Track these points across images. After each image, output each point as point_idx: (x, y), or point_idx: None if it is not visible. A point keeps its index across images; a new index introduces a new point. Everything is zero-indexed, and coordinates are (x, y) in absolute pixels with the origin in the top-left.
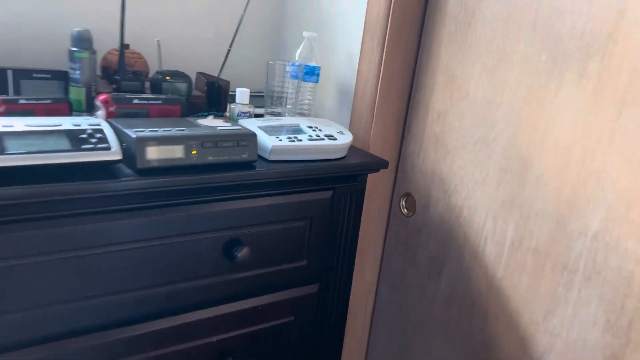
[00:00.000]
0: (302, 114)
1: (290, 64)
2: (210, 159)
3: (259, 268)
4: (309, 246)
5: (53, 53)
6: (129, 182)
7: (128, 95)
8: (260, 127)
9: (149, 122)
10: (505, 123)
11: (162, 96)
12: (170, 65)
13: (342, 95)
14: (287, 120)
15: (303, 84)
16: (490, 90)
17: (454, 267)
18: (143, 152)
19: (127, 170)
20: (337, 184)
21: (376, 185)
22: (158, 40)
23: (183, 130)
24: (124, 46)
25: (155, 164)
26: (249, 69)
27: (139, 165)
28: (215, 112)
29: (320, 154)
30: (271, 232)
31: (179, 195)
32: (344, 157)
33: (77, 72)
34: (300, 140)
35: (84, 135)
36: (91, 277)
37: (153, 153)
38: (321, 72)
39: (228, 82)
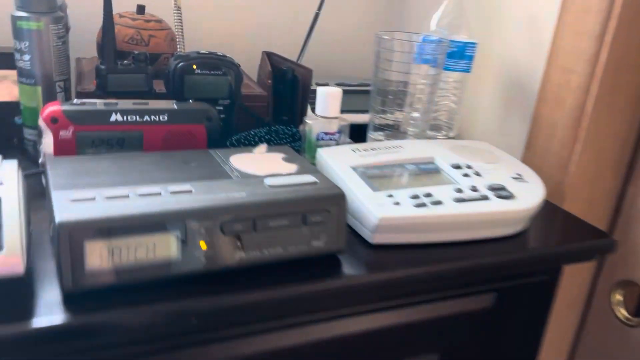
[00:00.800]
0: (437, 129)
1: (422, 38)
2: (242, 257)
3: None
4: None
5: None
6: (38, 324)
7: (99, 106)
8: (355, 169)
9: (124, 166)
10: None
11: (171, 105)
12: (217, 43)
13: (513, 94)
14: (410, 151)
15: (445, 73)
16: None
17: None
18: (79, 256)
19: (52, 296)
20: (504, 282)
21: None
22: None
23: (188, 190)
24: (110, 6)
25: (110, 279)
26: (351, 47)
27: (67, 287)
28: (280, 128)
29: (481, 230)
30: None
31: (178, 335)
32: (522, 230)
33: (27, 56)
34: (440, 202)
35: None
36: None
37: (101, 256)
38: (476, 53)
39: (310, 72)
